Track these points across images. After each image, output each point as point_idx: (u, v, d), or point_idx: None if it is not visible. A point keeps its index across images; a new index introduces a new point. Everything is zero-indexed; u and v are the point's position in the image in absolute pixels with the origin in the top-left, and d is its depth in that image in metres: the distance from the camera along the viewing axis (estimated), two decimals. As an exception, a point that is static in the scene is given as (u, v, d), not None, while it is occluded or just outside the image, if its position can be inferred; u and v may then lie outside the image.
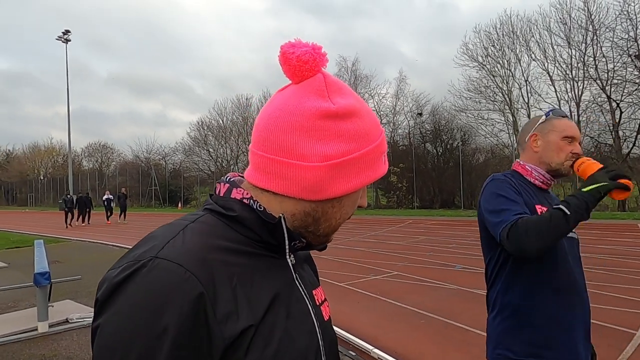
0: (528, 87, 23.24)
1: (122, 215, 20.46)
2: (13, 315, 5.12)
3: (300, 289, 0.67)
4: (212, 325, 0.53)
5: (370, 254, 8.72)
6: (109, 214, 20.85)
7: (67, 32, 36.59)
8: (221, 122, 37.66)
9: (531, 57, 22.99)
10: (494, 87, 24.24)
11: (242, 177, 0.70)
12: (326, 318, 0.72)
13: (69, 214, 19.63)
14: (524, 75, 23.28)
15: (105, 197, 21.49)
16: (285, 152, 0.62)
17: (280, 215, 0.63)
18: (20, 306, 5.48)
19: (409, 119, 29.05)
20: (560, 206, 1.32)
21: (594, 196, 1.33)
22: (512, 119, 23.63)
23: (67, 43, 36.62)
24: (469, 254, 8.38)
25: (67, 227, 18.72)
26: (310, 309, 0.67)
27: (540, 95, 22.83)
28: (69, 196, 20.69)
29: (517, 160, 1.66)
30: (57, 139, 64.00)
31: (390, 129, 29.17)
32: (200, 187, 35.79)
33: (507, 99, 23.78)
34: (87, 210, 20.22)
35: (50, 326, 4.51)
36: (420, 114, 28.19)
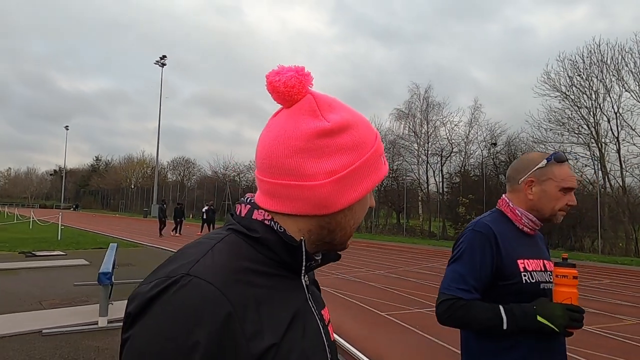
0: (619, 120, 21.32)
1: (212, 226, 19.92)
2: (81, 308, 5.78)
3: (313, 309, 0.70)
4: (240, 342, 0.55)
5: (420, 286, 8.50)
6: (210, 226, 20.14)
7: (163, 57, 41.01)
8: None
9: (623, 88, 21.16)
10: (578, 119, 22.51)
11: None
12: (332, 338, 0.74)
13: (165, 223, 19.48)
14: (614, 107, 21.44)
15: (204, 208, 20.73)
16: (292, 175, 0.64)
17: (302, 238, 0.66)
18: (91, 301, 6.11)
19: (482, 148, 27.87)
20: (504, 318, 1.34)
21: (539, 326, 1.34)
22: (598, 154, 21.75)
23: (162, 67, 40.85)
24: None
25: (160, 235, 18.66)
26: (321, 328, 0.70)
27: (633, 129, 20.82)
28: (164, 205, 20.59)
29: (505, 197, 1.59)
30: (148, 152, 70.32)
31: (462, 158, 28.23)
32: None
33: (594, 132, 21.98)
34: (180, 220, 19.98)
35: (109, 322, 4.99)
36: (495, 144, 26.93)
